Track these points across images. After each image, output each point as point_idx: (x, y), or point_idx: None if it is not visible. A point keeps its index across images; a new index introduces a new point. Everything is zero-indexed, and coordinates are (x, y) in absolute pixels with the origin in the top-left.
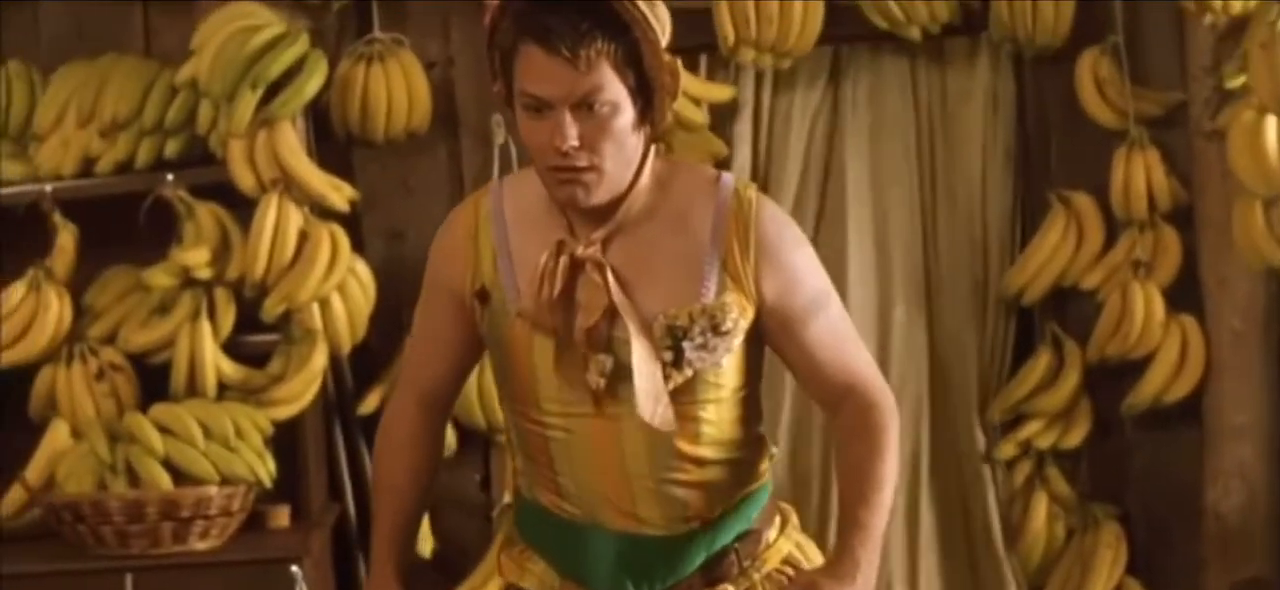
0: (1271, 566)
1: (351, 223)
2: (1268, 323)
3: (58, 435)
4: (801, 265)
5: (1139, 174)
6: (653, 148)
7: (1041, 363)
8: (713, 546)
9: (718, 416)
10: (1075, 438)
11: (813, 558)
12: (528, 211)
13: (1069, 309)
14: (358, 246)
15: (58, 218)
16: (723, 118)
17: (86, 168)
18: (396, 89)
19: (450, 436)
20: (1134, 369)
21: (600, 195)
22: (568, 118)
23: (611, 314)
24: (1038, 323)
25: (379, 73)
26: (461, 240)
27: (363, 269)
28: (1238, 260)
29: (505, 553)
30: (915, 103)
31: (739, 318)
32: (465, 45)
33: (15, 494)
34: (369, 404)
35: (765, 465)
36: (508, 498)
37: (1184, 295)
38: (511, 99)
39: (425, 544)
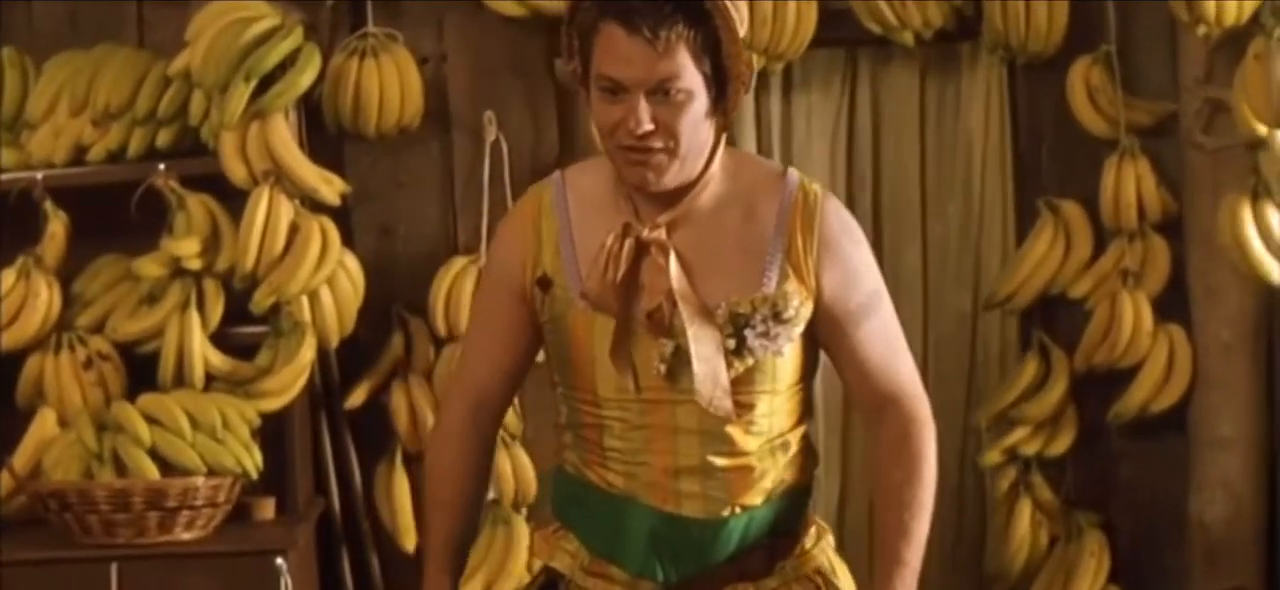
0: (1255, 578)
1: (342, 217)
2: (1256, 334)
3: (45, 423)
4: (860, 263)
5: (1129, 183)
6: (723, 137)
7: (1028, 370)
8: (747, 538)
9: (771, 408)
10: (1061, 445)
11: (843, 580)
12: (592, 199)
13: (1057, 317)
14: (348, 240)
15: (49, 206)
16: None
17: (78, 156)
18: (389, 84)
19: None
20: (1121, 378)
21: (670, 179)
22: (643, 102)
23: (674, 300)
24: (1025, 330)
25: (372, 67)
26: (523, 229)
27: (352, 263)
28: (1226, 272)
29: (539, 532)
30: (921, 108)
31: (800, 307)
32: (459, 41)
33: (2, 481)
34: (356, 398)
35: (809, 469)
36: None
37: (1172, 305)
38: (586, 80)
39: (408, 540)
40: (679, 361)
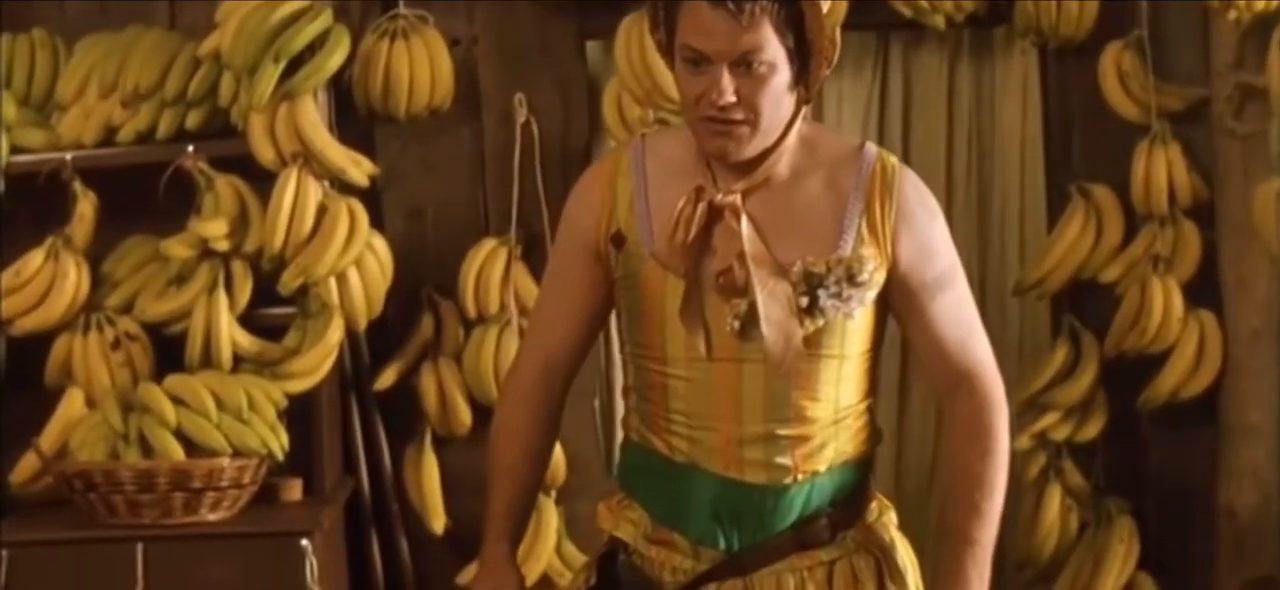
0: None
1: (372, 199)
2: None
3: (72, 403)
4: (937, 236)
5: (1160, 169)
6: (802, 111)
7: (1059, 355)
8: (809, 505)
9: (838, 375)
10: (1091, 431)
11: (903, 556)
12: (670, 163)
13: (1087, 302)
14: (377, 222)
15: (78, 186)
16: None
17: (108, 137)
18: (419, 66)
19: None
20: (1151, 364)
21: (750, 150)
22: (726, 74)
23: (746, 262)
24: (1056, 315)
25: (402, 49)
26: (599, 187)
27: (381, 244)
28: (1258, 258)
29: (603, 502)
30: (952, 92)
31: (875, 272)
32: (490, 24)
33: (28, 461)
34: (385, 380)
35: (872, 443)
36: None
37: (1203, 292)
38: (671, 50)
39: (437, 522)
40: (751, 320)
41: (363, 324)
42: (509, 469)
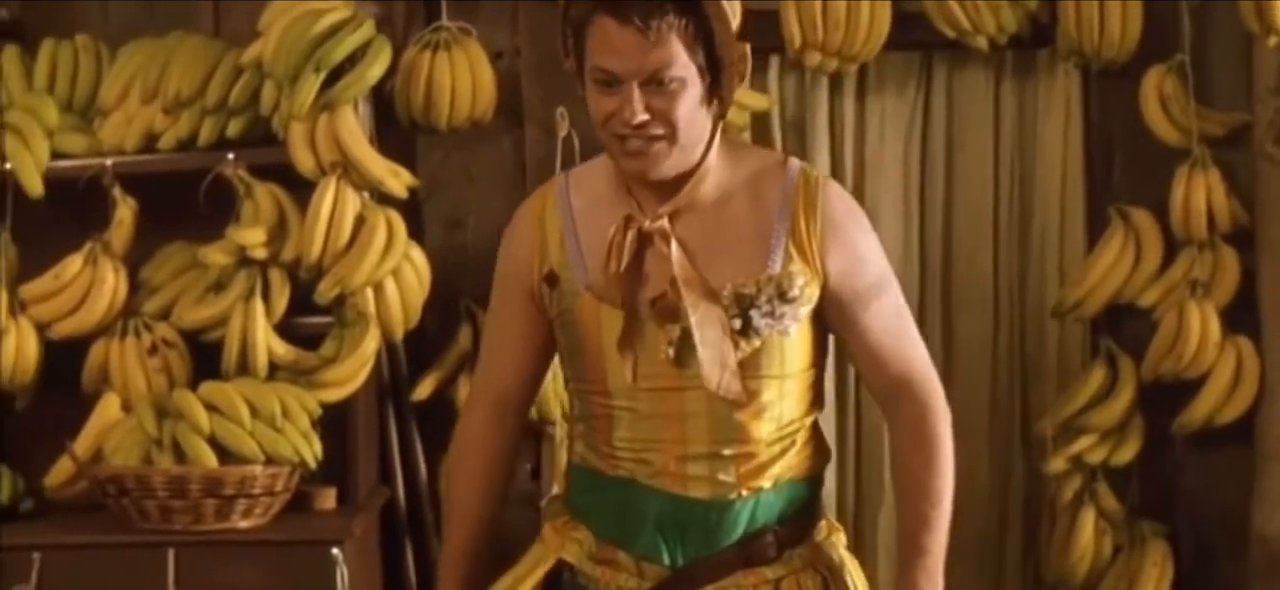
0: None
1: (412, 209)
2: None
3: (108, 408)
4: (865, 247)
5: (1200, 193)
6: (719, 128)
7: (1095, 378)
8: (754, 522)
9: (780, 393)
10: (1126, 454)
11: (853, 577)
12: (595, 195)
13: (1125, 325)
14: (418, 232)
15: (118, 192)
16: (762, 123)
17: (149, 144)
18: (461, 77)
19: None
20: (1188, 388)
21: (668, 168)
22: (637, 91)
23: (679, 286)
24: (1093, 337)
25: (444, 61)
26: (528, 229)
27: (418, 255)
28: None
29: (551, 524)
30: (996, 113)
31: (806, 286)
32: (533, 37)
33: (63, 465)
34: (422, 390)
35: (819, 460)
36: (557, 488)
37: (1240, 317)
38: (583, 74)
39: None
40: (686, 347)
41: (400, 334)
42: (464, 514)
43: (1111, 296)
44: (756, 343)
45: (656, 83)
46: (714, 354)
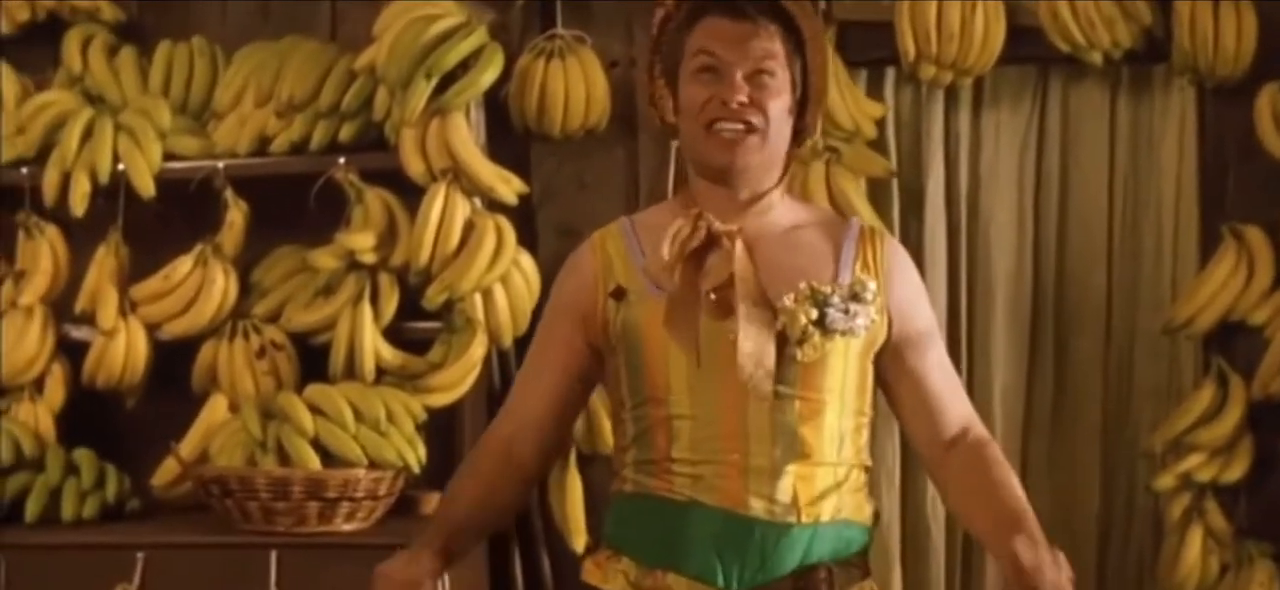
0: None
1: (526, 216)
2: None
3: (216, 409)
4: (923, 293)
5: None
6: (792, 162)
7: (1205, 396)
8: (809, 554)
9: (840, 414)
10: (1235, 473)
11: None
12: (659, 227)
13: (1236, 343)
14: (532, 240)
15: (229, 194)
16: (879, 137)
17: (261, 147)
18: (575, 85)
19: None
20: None
21: (754, 165)
22: (740, 76)
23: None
24: (1204, 355)
25: (558, 68)
26: (592, 256)
27: (528, 262)
28: None
29: (590, 559)
30: (1112, 129)
31: (877, 295)
32: (647, 47)
33: (169, 465)
34: None
35: (871, 515)
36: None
37: None
38: (673, 81)
39: (579, 540)
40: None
41: (508, 340)
42: (450, 515)
43: (1222, 314)
44: (834, 338)
45: (758, 73)
46: (753, 348)
